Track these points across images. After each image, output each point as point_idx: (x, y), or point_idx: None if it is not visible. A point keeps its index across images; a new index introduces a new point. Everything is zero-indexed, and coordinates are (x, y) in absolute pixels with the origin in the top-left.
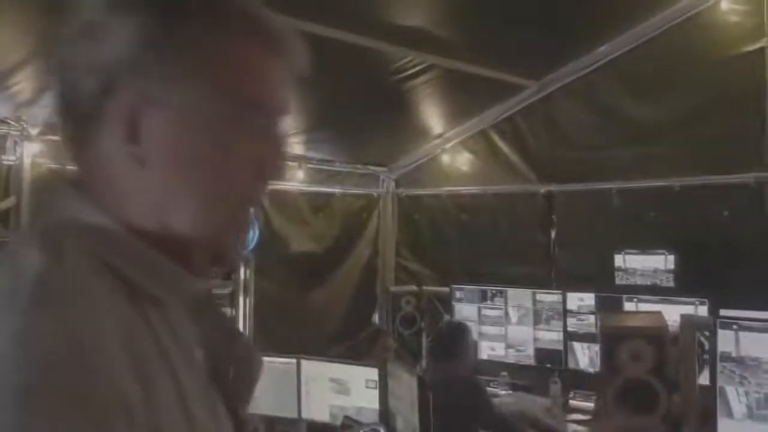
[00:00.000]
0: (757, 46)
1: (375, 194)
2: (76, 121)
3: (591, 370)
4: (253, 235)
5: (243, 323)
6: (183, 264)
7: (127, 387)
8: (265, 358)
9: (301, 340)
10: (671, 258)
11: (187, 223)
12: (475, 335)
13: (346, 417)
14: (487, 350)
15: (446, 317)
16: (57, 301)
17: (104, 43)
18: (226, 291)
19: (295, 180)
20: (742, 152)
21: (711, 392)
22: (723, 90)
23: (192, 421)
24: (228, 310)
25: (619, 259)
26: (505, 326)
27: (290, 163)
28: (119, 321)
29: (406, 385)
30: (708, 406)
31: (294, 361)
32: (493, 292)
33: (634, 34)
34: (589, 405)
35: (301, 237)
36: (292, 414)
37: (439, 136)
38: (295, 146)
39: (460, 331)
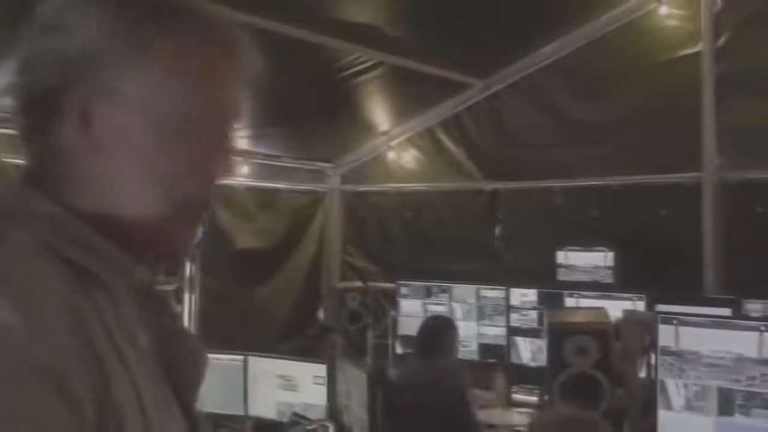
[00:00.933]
0: (693, 50)
1: (321, 190)
2: (35, 113)
3: (533, 364)
4: (200, 231)
5: (188, 320)
6: (129, 253)
7: (70, 370)
8: (211, 356)
9: (246, 337)
10: (611, 255)
11: (137, 212)
12: None
13: (294, 413)
14: None
15: (387, 323)
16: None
17: (67, 37)
18: (171, 287)
19: (241, 175)
20: (680, 153)
21: (652, 385)
22: (662, 92)
23: (145, 412)
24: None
25: (561, 256)
26: None
27: (236, 158)
28: (63, 301)
29: (354, 381)
30: (649, 398)
31: (241, 358)
32: (438, 288)
33: (578, 36)
34: (532, 399)
35: (247, 233)
36: (238, 411)
37: (386, 133)
38: (242, 141)
39: (443, 325)
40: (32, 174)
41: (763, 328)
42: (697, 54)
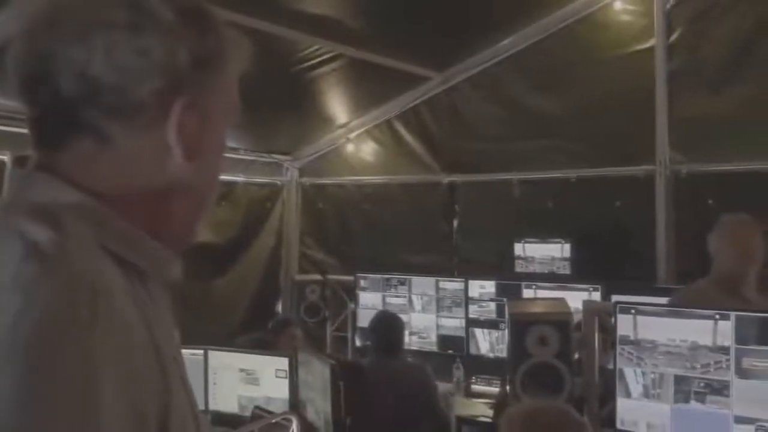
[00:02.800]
0: (647, 45)
1: (279, 183)
2: (96, 112)
3: (491, 355)
4: None
5: None
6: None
7: (143, 382)
8: None
9: (205, 332)
10: (567, 246)
11: (190, 211)
12: None
13: (256, 407)
14: None
15: (346, 315)
16: (73, 265)
17: (179, 49)
18: None
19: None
20: (634, 146)
21: (611, 374)
22: (617, 86)
23: (195, 412)
24: None
25: (518, 248)
26: (409, 314)
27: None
28: (129, 298)
29: (318, 374)
30: (608, 387)
31: (201, 352)
32: (397, 280)
33: (535, 30)
34: (491, 389)
35: (204, 226)
36: (199, 405)
37: (344, 125)
38: None
39: (396, 322)
40: (50, 168)
41: (717, 317)
42: (651, 49)
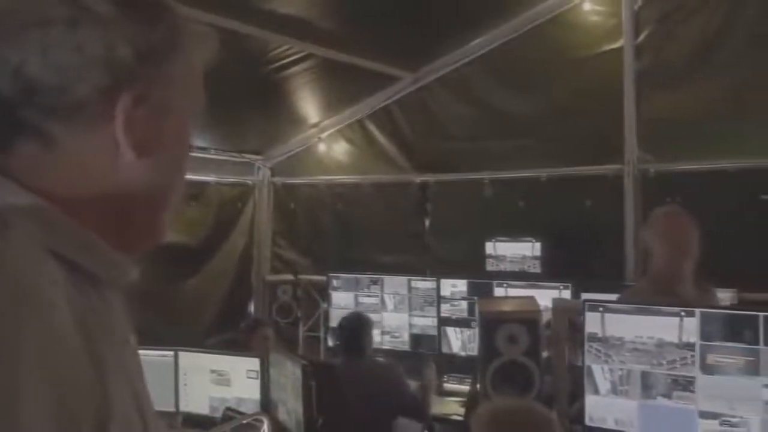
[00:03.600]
0: (615, 45)
1: (250, 183)
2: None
3: (463, 353)
4: None
5: None
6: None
7: (74, 385)
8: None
9: (176, 333)
10: (538, 245)
11: (150, 213)
12: None
13: (227, 408)
14: None
15: (319, 314)
16: (10, 279)
17: (119, 42)
18: None
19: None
20: (603, 146)
21: (580, 371)
22: (586, 86)
23: (144, 418)
24: None
25: (489, 247)
26: (381, 313)
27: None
28: (69, 303)
29: (289, 374)
30: (577, 384)
31: (171, 353)
32: (369, 280)
33: (505, 30)
34: (463, 388)
35: (174, 226)
36: (169, 407)
37: (316, 125)
38: None
39: (364, 322)
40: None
41: (683, 314)
42: (619, 49)
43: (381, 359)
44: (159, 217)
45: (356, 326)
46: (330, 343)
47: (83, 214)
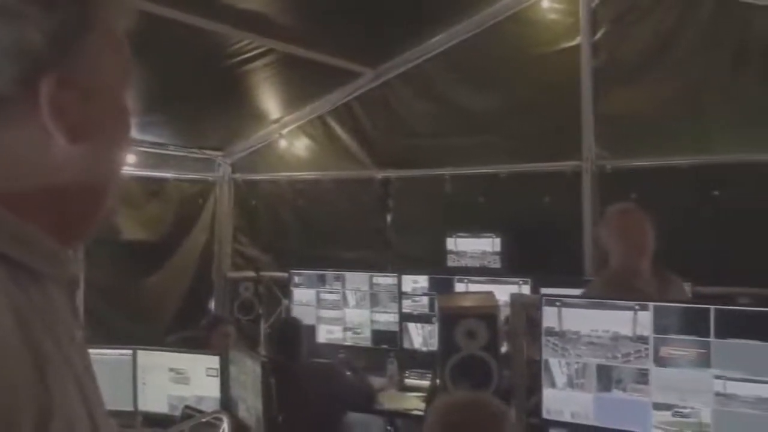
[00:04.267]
0: (573, 42)
1: (211, 179)
2: None
3: (425, 349)
4: None
5: None
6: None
7: (11, 383)
8: (98, 350)
9: (135, 330)
10: (498, 241)
11: (90, 201)
12: (313, 319)
13: (186, 407)
14: (325, 333)
15: (281, 311)
16: None
17: (25, 30)
18: None
19: (127, 164)
20: (562, 142)
21: (537, 365)
22: (545, 83)
23: (93, 416)
24: None
25: (450, 243)
26: (343, 309)
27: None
28: (9, 298)
29: (249, 372)
30: (534, 377)
31: (129, 352)
32: (331, 276)
33: (465, 27)
34: (424, 383)
35: (133, 223)
36: (127, 407)
37: (277, 120)
38: None
39: (294, 326)
40: None
41: (637, 308)
42: (577, 47)
43: (320, 360)
44: (100, 205)
45: (290, 333)
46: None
47: (21, 208)
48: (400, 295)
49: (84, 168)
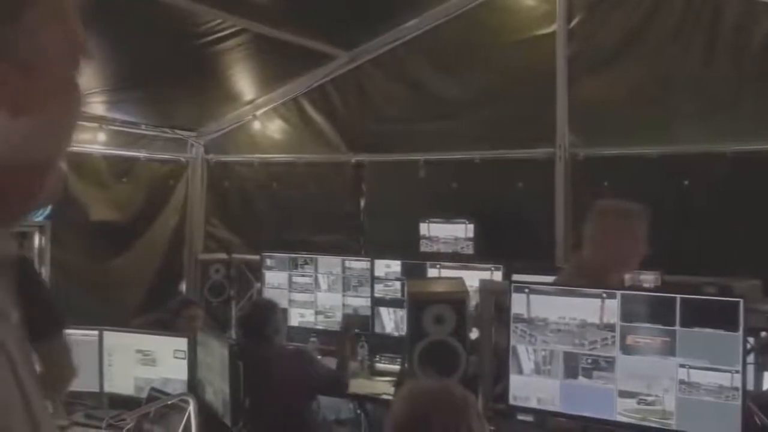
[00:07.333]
0: (549, 30)
1: (183, 159)
2: None
3: (396, 334)
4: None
5: None
6: None
7: None
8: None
9: (103, 312)
10: (471, 227)
11: (36, 172)
12: (285, 302)
13: (153, 389)
14: (297, 317)
15: (252, 294)
16: None
17: None
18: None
19: (96, 143)
20: (536, 129)
21: (504, 351)
22: (519, 70)
23: (31, 412)
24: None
25: (423, 228)
26: (315, 293)
27: (90, 125)
28: None
29: (216, 355)
30: (501, 364)
31: (96, 333)
32: (304, 259)
33: (439, 12)
34: (394, 367)
35: (103, 203)
36: (93, 388)
37: (251, 102)
38: (96, 106)
39: (269, 310)
40: None
41: (604, 296)
42: (552, 34)
43: (289, 346)
44: (42, 183)
45: (261, 316)
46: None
47: None
48: (373, 279)
49: (26, 144)
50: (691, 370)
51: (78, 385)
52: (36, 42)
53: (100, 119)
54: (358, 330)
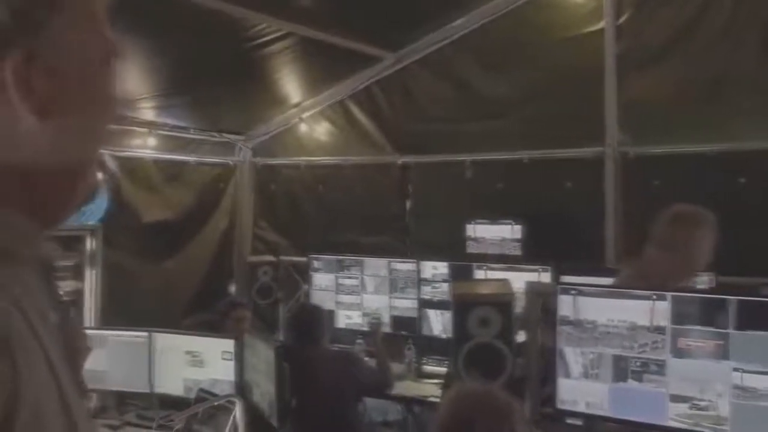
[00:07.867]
0: (597, 27)
1: (231, 163)
2: None
3: (444, 336)
4: (102, 204)
5: (90, 296)
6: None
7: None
8: (115, 332)
9: (153, 313)
10: (518, 228)
11: (63, 182)
12: (332, 304)
13: (201, 390)
14: (344, 319)
15: (299, 296)
16: None
17: None
18: (70, 263)
19: (147, 147)
20: (584, 128)
21: (551, 354)
22: (567, 68)
23: (65, 399)
24: (72, 283)
25: (470, 229)
26: (362, 295)
27: (141, 130)
28: None
29: (263, 356)
30: (549, 367)
31: (146, 334)
32: (350, 261)
33: (486, 10)
34: (442, 370)
35: (153, 206)
36: (143, 389)
37: (297, 105)
38: (146, 112)
39: (316, 313)
40: None
41: (654, 297)
42: (600, 31)
43: (334, 348)
44: (75, 187)
45: (308, 319)
46: (281, 337)
47: None
48: (419, 281)
49: (56, 148)
50: (745, 375)
51: (129, 385)
52: (63, 47)
53: (150, 124)
54: (404, 332)
